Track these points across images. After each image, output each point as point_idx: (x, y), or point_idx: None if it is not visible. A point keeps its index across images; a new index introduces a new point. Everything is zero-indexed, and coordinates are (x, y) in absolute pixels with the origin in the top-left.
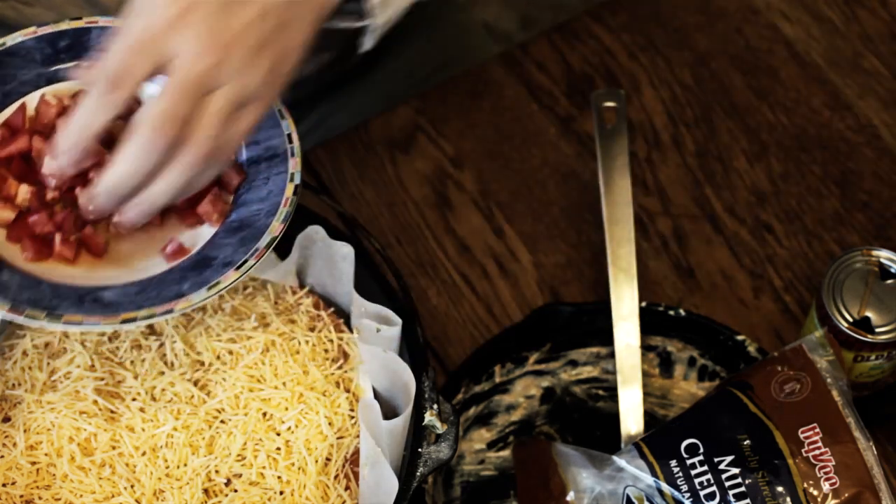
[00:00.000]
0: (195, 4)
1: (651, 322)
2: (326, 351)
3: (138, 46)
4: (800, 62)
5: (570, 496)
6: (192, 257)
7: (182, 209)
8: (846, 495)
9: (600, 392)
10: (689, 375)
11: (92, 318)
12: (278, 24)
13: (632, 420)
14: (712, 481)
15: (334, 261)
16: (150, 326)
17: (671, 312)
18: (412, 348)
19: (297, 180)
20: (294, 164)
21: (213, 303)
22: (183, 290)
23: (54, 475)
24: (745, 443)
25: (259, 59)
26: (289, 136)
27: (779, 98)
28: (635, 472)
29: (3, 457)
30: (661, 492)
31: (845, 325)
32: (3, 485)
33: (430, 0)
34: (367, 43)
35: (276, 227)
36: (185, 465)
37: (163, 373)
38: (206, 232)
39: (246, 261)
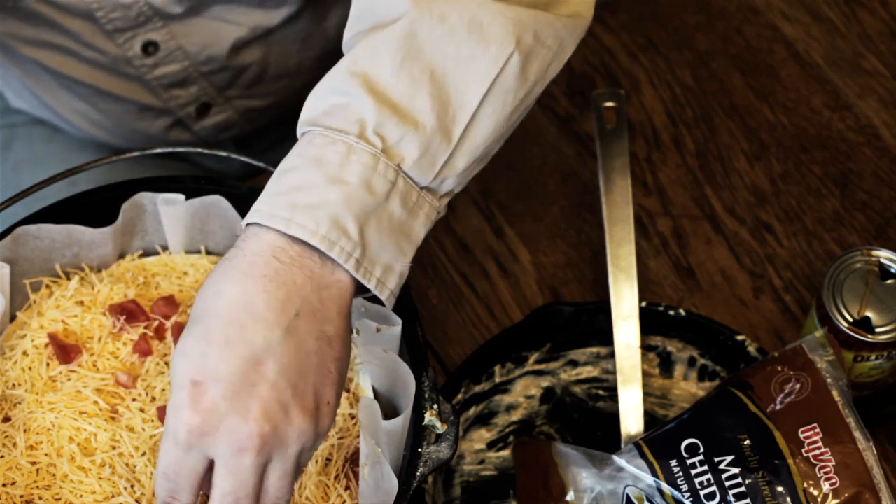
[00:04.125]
0: (213, 407)
1: (651, 322)
2: None
3: (175, 468)
4: (800, 62)
5: (570, 496)
6: None
7: None
8: (846, 495)
9: (600, 392)
10: (689, 375)
11: None
12: (300, 361)
13: (632, 420)
14: (712, 481)
15: None
16: (152, 327)
17: (671, 312)
18: (412, 348)
19: None
20: None
21: None
22: None
23: (54, 475)
24: (745, 443)
25: (298, 407)
26: None
27: (779, 98)
28: (635, 472)
29: (3, 457)
30: (661, 491)
31: (845, 325)
32: (3, 485)
33: None
34: (390, 306)
35: None
36: None
37: (163, 373)
38: None
39: None
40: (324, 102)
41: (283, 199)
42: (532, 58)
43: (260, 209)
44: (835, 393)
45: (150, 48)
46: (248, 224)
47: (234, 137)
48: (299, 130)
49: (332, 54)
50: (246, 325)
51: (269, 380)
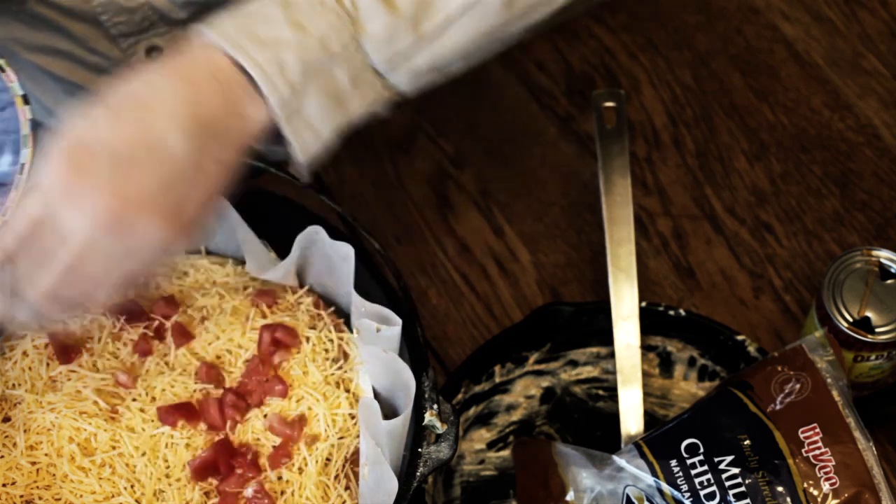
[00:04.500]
0: (94, 172)
1: (651, 322)
2: (326, 351)
3: (29, 230)
4: (800, 62)
5: (570, 496)
6: None
7: None
8: (846, 495)
9: (600, 392)
10: (689, 375)
11: None
12: (184, 168)
13: (632, 420)
14: (712, 481)
15: (334, 261)
16: (152, 327)
17: (671, 312)
18: (412, 348)
19: (7, 216)
20: (11, 200)
21: (213, 303)
22: None
23: (54, 475)
24: (745, 443)
25: (160, 209)
26: (22, 166)
27: (779, 98)
28: (635, 472)
29: (3, 457)
30: (661, 491)
31: (845, 325)
32: (3, 485)
33: None
34: (303, 177)
35: None
36: (185, 465)
37: (163, 373)
38: None
39: None
40: None
41: (240, 23)
42: None
43: (214, 25)
44: (835, 393)
45: (154, 53)
46: (198, 36)
47: None
48: None
49: None
50: (154, 114)
51: (149, 170)
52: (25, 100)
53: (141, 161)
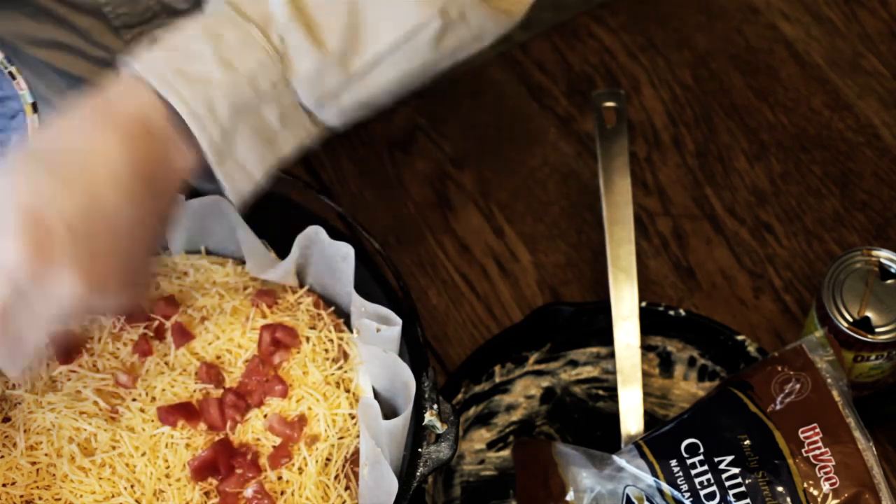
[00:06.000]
0: (60, 248)
1: (651, 322)
2: (326, 351)
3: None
4: (800, 62)
5: (570, 496)
6: None
7: None
8: (846, 495)
9: (600, 392)
10: (689, 375)
11: None
12: (129, 232)
13: (632, 420)
14: (712, 481)
15: (334, 261)
16: (152, 327)
17: (671, 312)
18: (412, 348)
19: None
20: None
21: (213, 303)
22: None
23: (54, 475)
24: (746, 443)
25: (115, 278)
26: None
27: (779, 98)
28: (635, 472)
29: (3, 457)
30: (661, 491)
31: (845, 325)
32: (3, 485)
33: None
34: (239, 210)
35: None
36: (185, 465)
37: (163, 373)
38: None
39: None
40: None
41: (169, 57)
42: (451, 31)
43: (143, 59)
44: (835, 393)
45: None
46: (126, 69)
47: None
48: (207, 3)
49: None
50: (100, 180)
51: (108, 245)
52: (35, 108)
53: (98, 235)
